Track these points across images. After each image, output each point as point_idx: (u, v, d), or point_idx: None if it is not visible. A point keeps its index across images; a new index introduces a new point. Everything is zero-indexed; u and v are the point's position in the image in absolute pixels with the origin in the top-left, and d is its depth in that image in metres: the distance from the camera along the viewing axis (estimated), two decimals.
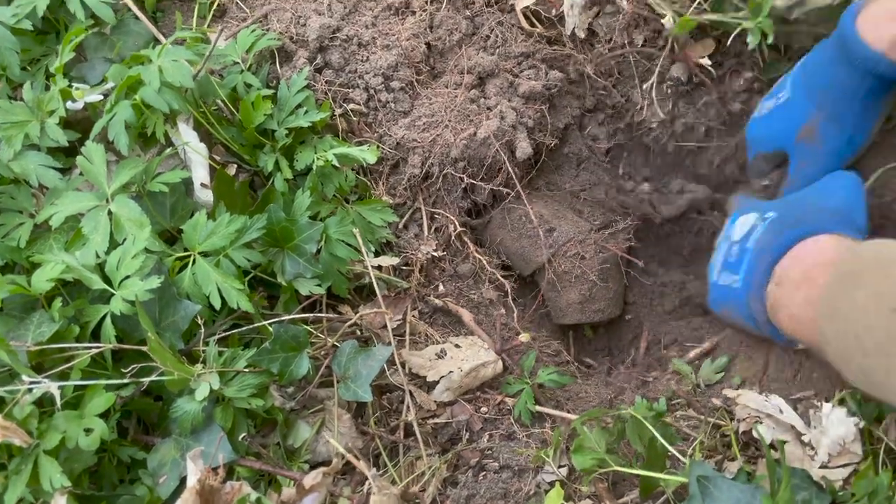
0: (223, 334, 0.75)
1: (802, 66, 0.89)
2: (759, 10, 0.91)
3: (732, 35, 0.95)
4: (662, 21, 0.97)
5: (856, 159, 0.90)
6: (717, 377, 0.90)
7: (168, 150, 0.80)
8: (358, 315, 0.81)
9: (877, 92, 0.84)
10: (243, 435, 0.67)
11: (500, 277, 1.02)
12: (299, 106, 0.90)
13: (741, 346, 0.92)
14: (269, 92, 0.90)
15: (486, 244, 1.06)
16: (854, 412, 0.76)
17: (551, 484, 0.75)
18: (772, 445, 0.78)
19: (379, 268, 0.92)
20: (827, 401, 0.80)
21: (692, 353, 0.95)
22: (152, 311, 0.72)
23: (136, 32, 0.99)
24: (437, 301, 0.94)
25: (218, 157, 0.87)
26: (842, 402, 0.79)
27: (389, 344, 0.80)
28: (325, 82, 0.96)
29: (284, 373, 0.72)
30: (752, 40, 0.94)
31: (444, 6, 1.04)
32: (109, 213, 0.75)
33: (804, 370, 0.83)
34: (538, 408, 0.82)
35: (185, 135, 0.81)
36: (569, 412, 0.85)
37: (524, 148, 0.98)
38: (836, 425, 0.75)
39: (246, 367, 0.69)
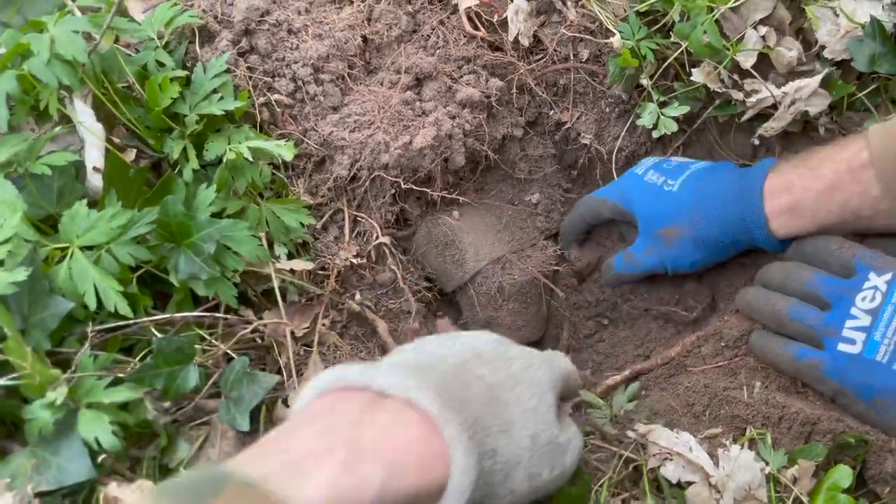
0: (104, 336, 0.69)
1: (702, 184, 0.89)
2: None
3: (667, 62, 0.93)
4: (611, 41, 0.94)
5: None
6: (631, 405, 0.87)
7: (57, 129, 0.73)
8: (256, 323, 0.75)
9: (745, 248, 0.88)
10: (103, 457, 0.61)
11: (422, 290, 0.98)
12: (215, 91, 0.84)
13: (657, 378, 0.90)
14: (183, 73, 0.83)
15: (412, 254, 1.01)
16: (762, 457, 0.74)
17: None
18: (679, 485, 0.76)
19: (291, 271, 0.86)
20: (735, 441, 0.78)
21: (610, 381, 0.92)
22: (20, 305, 0.65)
23: None
24: (354, 306, 0.89)
25: (118, 140, 0.80)
26: (751, 443, 0.77)
27: (288, 360, 0.74)
28: (248, 68, 0.90)
29: (170, 388, 0.66)
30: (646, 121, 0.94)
31: None
32: None
33: (713, 406, 0.82)
34: None
35: (80, 113, 0.74)
36: None
37: (458, 160, 0.94)
38: (743, 470, 0.73)
39: (124, 380, 0.63)
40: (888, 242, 0.83)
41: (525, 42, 0.99)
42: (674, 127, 0.93)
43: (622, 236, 1.02)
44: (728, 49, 0.87)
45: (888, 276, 0.75)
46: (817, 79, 0.84)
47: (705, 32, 0.84)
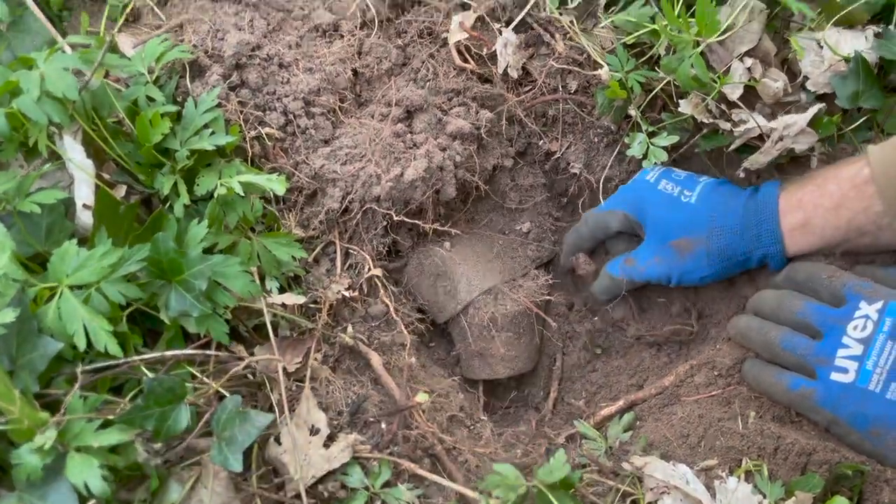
0: (93, 377, 0.68)
1: (720, 198, 0.89)
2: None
3: (654, 92, 0.94)
4: (599, 72, 0.95)
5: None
6: (626, 436, 0.87)
7: (47, 166, 0.73)
8: (248, 360, 0.74)
9: (755, 265, 0.89)
10: (92, 502, 0.59)
11: (414, 322, 0.97)
12: (206, 126, 0.83)
13: (651, 408, 0.89)
14: (174, 109, 0.83)
15: (404, 285, 1.01)
16: (759, 489, 0.74)
17: None
18: None
19: (283, 305, 0.86)
20: (731, 473, 0.77)
21: (604, 412, 0.92)
22: (8, 347, 0.64)
23: (35, 31, 0.91)
24: (347, 340, 0.88)
25: (108, 176, 0.79)
26: (748, 474, 0.77)
27: (280, 396, 0.73)
28: (239, 102, 0.90)
29: (161, 429, 0.65)
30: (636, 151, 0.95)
31: (374, 33, 0.99)
32: None
33: (708, 436, 0.81)
34: (434, 477, 0.76)
35: (70, 150, 0.74)
36: (472, 478, 0.80)
37: (449, 192, 0.94)
38: (741, 503, 0.72)
39: (114, 422, 0.62)
40: (876, 269, 0.84)
41: (514, 74, 1.00)
42: (664, 156, 0.93)
43: (607, 251, 1.02)
44: (715, 81, 0.88)
45: (879, 305, 0.76)
46: (806, 117, 0.85)
47: (692, 66, 0.85)
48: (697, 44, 0.87)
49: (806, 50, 0.90)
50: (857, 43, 0.89)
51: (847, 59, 0.87)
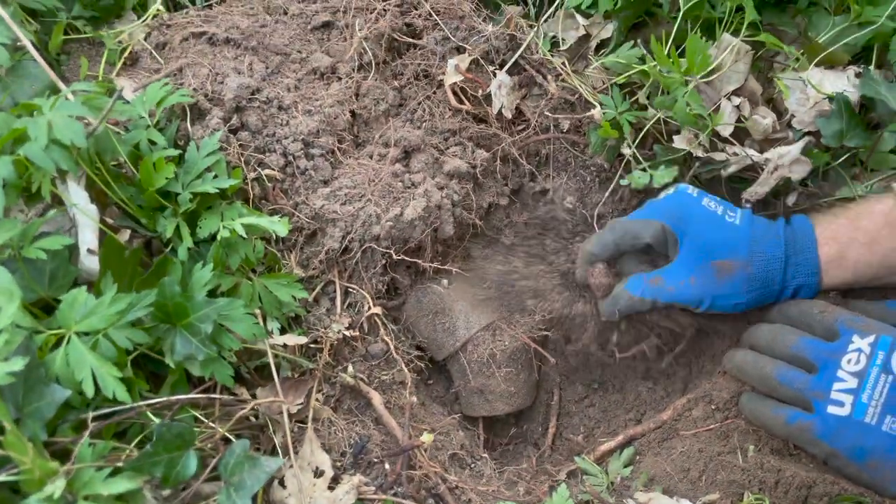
0: (100, 423, 0.67)
1: (761, 224, 0.88)
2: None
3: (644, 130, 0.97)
4: (592, 112, 0.97)
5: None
6: (627, 471, 0.87)
7: (52, 213, 0.73)
8: (253, 403, 0.74)
9: (789, 296, 0.88)
10: None
11: (413, 359, 0.97)
12: (208, 170, 0.84)
13: (651, 442, 0.90)
14: (176, 153, 0.84)
15: (402, 323, 1.01)
16: None
17: None
18: None
19: (284, 346, 0.86)
20: None
21: (604, 447, 0.93)
22: (15, 395, 0.63)
23: (35, 76, 0.91)
24: (348, 379, 0.88)
25: (111, 220, 0.79)
26: None
27: (285, 438, 0.73)
28: (240, 145, 0.91)
29: (169, 476, 0.64)
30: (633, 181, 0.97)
31: (371, 75, 1.01)
32: None
33: (709, 471, 0.82)
34: None
35: (75, 195, 0.74)
36: None
37: (447, 230, 0.95)
38: None
39: (122, 470, 0.61)
40: (867, 304, 0.86)
41: (508, 114, 1.02)
42: (673, 174, 0.94)
43: (616, 271, 0.98)
44: (708, 119, 0.90)
45: (871, 339, 0.78)
46: (799, 146, 0.87)
47: (688, 104, 0.88)
48: (687, 82, 0.90)
49: (791, 89, 0.94)
50: (840, 82, 0.93)
51: (831, 98, 0.90)
